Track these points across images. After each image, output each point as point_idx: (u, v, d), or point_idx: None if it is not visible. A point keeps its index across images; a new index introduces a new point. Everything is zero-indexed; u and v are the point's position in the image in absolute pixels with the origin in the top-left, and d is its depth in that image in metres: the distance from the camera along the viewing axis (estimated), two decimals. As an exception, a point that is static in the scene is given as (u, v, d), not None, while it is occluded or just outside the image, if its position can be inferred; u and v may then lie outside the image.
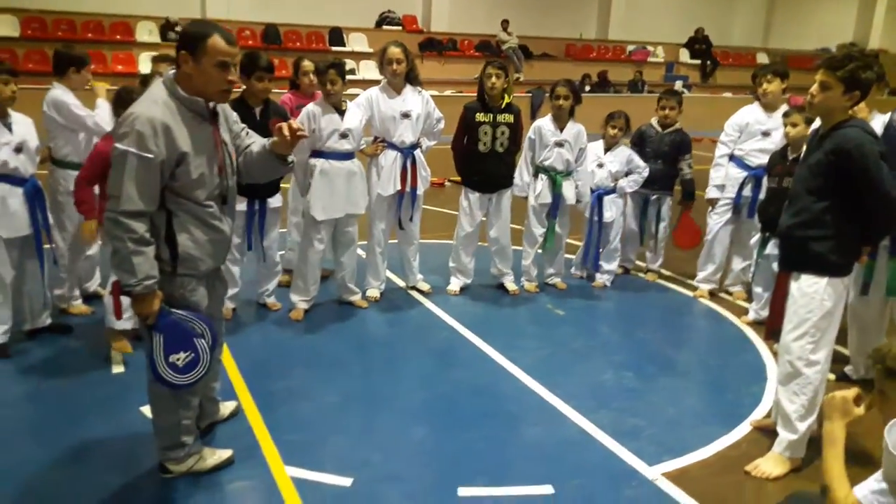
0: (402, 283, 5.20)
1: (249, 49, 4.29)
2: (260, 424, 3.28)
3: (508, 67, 4.94)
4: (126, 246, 2.41)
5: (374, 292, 4.91)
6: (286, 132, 2.70)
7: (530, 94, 14.28)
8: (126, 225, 2.40)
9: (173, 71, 2.58)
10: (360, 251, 4.90)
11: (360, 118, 4.52)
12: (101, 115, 4.25)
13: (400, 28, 15.33)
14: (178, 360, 2.54)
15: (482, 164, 4.87)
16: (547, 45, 16.80)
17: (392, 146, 4.68)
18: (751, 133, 4.96)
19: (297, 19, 13.84)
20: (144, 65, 12.60)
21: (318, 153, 4.39)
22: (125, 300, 2.63)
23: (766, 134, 4.91)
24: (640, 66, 17.67)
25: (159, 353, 2.53)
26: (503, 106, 4.83)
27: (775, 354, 4.18)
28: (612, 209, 5.22)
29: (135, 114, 2.43)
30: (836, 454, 2.00)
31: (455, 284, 5.13)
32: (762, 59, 20.28)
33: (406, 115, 4.65)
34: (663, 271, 5.74)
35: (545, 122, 5.02)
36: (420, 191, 4.82)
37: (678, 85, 17.45)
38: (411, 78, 4.70)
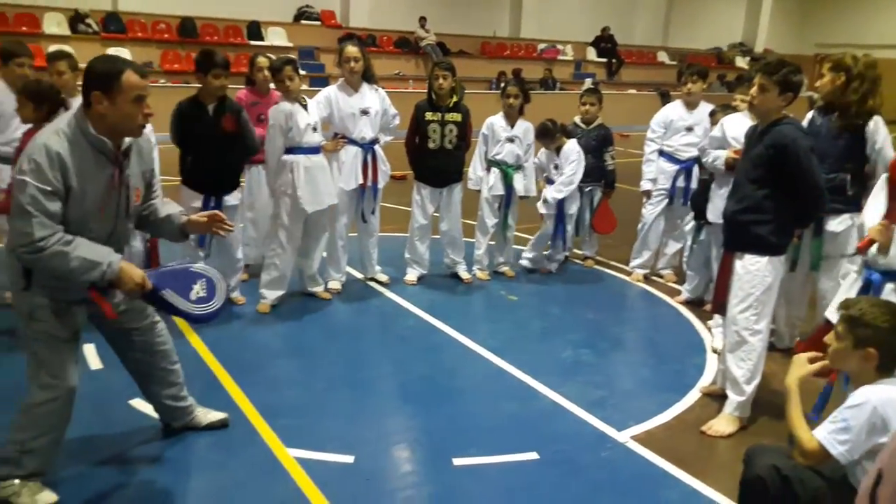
0: (359, 275, 5.36)
1: (206, 47, 4.30)
2: (253, 412, 3.39)
3: (455, 68, 5.18)
4: (66, 254, 2.37)
5: (335, 284, 5.05)
6: (207, 221, 2.80)
7: (451, 91, 14.57)
8: (52, 246, 2.36)
9: (79, 107, 2.49)
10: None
11: (317, 113, 4.65)
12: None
13: (319, 23, 15.29)
14: (198, 293, 2.60)
15: (433, 160, 5.11)
16: (463, 42, 17.17)
17: (352, 142, 4.84)
18: (675, 129, 5.42)
19: (215, 13, 13.56)
20: (52, 57, 12.06)
21: (294, 150, 4.47)
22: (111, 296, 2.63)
23: (689, 129, 5.38)
24: (550, 63, 18.35)
25: (181, 302, 2.59)
26: (451, 105, 5.07)
27: (709, 329, 4.66)
28: (574, 205, 5.59)
29: (36, 144, 2.38)
30: (794, 405, 2.35)
31: (412, 274, 5.35)
32: (662, 57, 21.50)
33: (365, 112, 4.82)
34: (598, 257, 6.16)
35: (497, 119, 5.32)
36: (381, 184, 5.00)
37: (587, 82, 18.23)
38: (368, 76, 4.87)
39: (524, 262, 5.82)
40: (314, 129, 4.51)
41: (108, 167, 2.52)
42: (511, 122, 5.29)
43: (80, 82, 2.65)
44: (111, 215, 2.59)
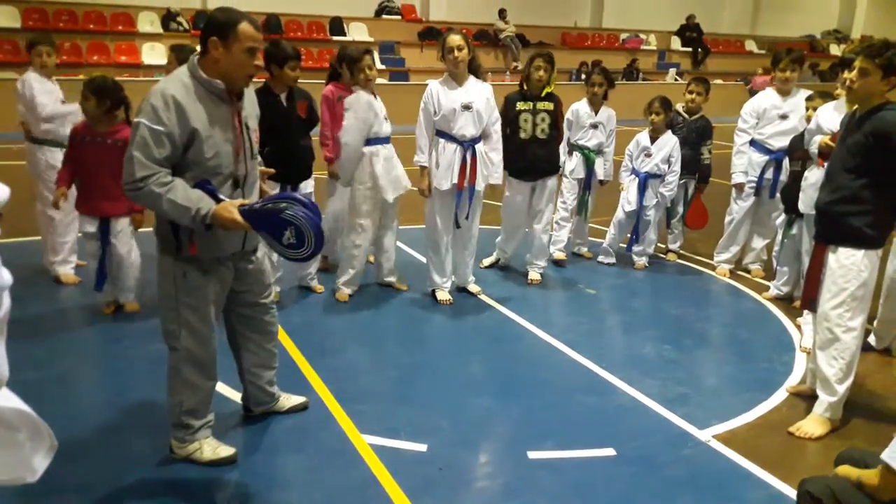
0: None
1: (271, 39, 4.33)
2: (329, 397, 3.45)
3: (554, 60, 5.03)
4: (159, 195, 2.46)
5: (444, 295, 4.77)
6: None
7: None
8: (148, 186, 2.45)
9: (197, 56, 2.63)
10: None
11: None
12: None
13: (399, 17, 15.44)
14: (289, 238, 2.56)
15: (524, 150, 4.94)
16: (543, 33, 16.97)
17: (451, 139, 4.49)
18: (769, 118, 5.15)
19: (298, 9, 13.91)
20: (147, 55, 12.63)
21: (372, 140, 4.48)
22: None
23: (783, 117, 5.10)
24: (633, 53, 17.91)
25: (275, 244, 2.60)
26: (543, 94, 4.96)
27: (798, 327, 4.44)
28: (654, 196, 5.45)
29: (152, 90, 2.52)
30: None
31: (487, 260, 5.54)
32: (750, 46, 20.63)
33: (467, 107, 4.43)
34: (681, 251, 5.97)
35: (581, 105, 5.48)
36: (479, 187, 4.59)
37: (671, 72, 17.71)
38: (473, 68, 4.53)
39: (602, 258, 5.72)
40: (385, 119, 4.55)
41: (225, 108, 2.63)
42: (595, 108, 5.46)
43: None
44: (245, 157, 2.72)
